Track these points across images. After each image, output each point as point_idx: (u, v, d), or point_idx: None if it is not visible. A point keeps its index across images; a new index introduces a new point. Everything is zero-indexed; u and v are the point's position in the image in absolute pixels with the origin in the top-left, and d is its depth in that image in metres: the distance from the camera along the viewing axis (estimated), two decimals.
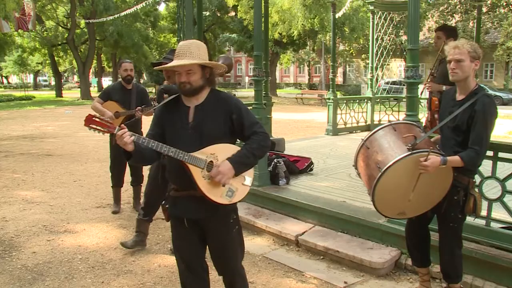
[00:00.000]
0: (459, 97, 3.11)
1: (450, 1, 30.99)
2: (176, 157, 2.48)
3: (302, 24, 26.54)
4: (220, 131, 2.61)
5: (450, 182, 3.03)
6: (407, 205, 3.11)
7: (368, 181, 3.13)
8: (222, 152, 2.56)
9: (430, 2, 29.85)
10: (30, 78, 62.82)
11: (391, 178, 2.95)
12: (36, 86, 57.45)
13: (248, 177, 2.65)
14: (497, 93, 28.97)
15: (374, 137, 3.19)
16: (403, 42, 26.48)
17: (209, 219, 2.69)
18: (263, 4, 5.77)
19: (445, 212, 3.15)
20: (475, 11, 11.79)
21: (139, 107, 5.41)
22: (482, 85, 3.14)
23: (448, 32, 4.95)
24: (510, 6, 29.81)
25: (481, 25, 13.63)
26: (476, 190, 3.16)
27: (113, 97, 5.58)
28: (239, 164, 2.54)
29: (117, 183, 5.88)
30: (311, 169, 6.61)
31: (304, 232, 4.72)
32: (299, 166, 6.49)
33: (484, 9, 25.18)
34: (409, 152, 2.89)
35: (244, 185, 2.65)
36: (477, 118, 2.93)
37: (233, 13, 37.40)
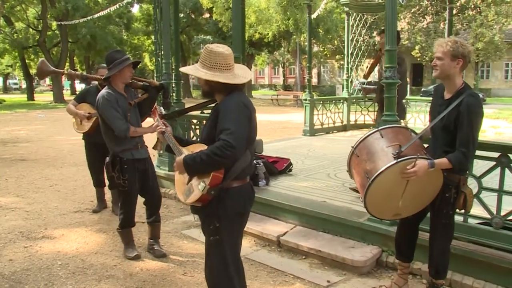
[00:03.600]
0: (447, 95, 3.17)
1: (421, 3, 31.65)
2: (171, 146, 2.98)
3: (277, 25, 26.69)
4: (212, 130, 2.70)
5: (441, 181, 3.10)
6: (400, 207, 3.17)
7: (361, 189, 3.18)
8: (197, 150, 2.69)
9: (402, 3, 30.40)
10: None
11: (380, 186, 3.00)
12: (6, 90, 56.03)
13: (202, 184, 2.63)
14: None
15: (362, 144, 3.21)
16: (376, 43, 26.87)
17: (198, 213, 2.86)
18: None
19: (438, 210, 3.22)
20: (446, 12, 12.06)
21: None
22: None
23: None
24: (478, 9, 30.63)
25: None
26: (469, 187, 3.23)
27: (87, 99, 5.58)
28: (188, 164, 2.62)
29: (97, 183, 5.91)
30: (290, 170, 6.65)
31: (286, 233, 4.74)
32: (278, 167, 6.52)
33: (454, 11, 25.74)
34: (395, 161, 2.92)
35: (197, 190, 2.66)
36: (462, 119, 2.97)
37: (207, 15, 37.32)
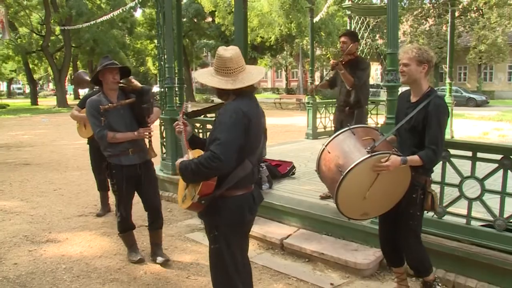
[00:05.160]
0: (413, 99, 3.25)
1: (423, 6, 31.67)
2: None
3: (280, 29, 26.74)
4: (211, 136, 2.67)
5: (408, 181, 3.15)
6: (368, 205, 3.21)
7: (331, 185, 3.23)
8: (196, 156, 2.67)
9: (405, 6, 30.40)
10: (3, 86, 61.57)
11: (353, 181, 3.05)
12: (10, 94, 56.27)
13: (193, 192, 2.61)
14: (471, 95, 29.62)
15: (334, 141, 3.30)
16: (379, 46, 26.87)
17: (202, 219, 2.87)
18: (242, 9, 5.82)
19: (404, 210, 3.26)
20: (448, 15, 12.07)
21: None
22: (434, 88, 3.29)
23: (352, 36, 5.37)
24: (480, 11, 30.62)
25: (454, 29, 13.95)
26: (436, 188, 3.33)
27: None
28: (181, 170, 2.60)
29: (100, 186, 5.94)
30: (293, 173, 6.66)
31: (289, 236, 4.75)
32: (281, 170, 6.53)
33: (456, 13, 25.77)
34: (369, 155, 3.00)
35: (190, 197, 2.66)
36: (430, 118, 3.06)
37: (210, 19, 37.41)
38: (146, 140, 4.36)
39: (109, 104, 4.05)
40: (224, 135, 2.49)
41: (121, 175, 4.17)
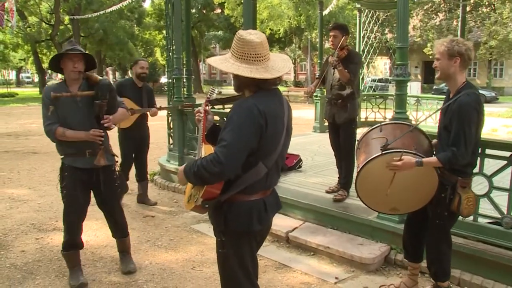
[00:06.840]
0: (451, 94, 3.15)
1: (434, 0, 31.35)
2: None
3: (289, 21, 26.67)
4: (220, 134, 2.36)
5: (436, 180, 3.08)
6: (395, 201, 3.21)
7: None
8: (208, 153, 2.38)
9: (415, 0, 30.11)
10: (12, 75, 61.81)
11: (368, 177, 3.14)
12: (19, 83, 56.50)
13: (196, 194, 2.37)
14: (480, 91, 29.28)
15: (364, 138, 3.38)
16: (388, 40, 26.72)
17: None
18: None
19: (433, 209, 3.21)
20: (459, 10, 11.96)
21: (158, 106, 5.77)
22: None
23: (343, 30, 5.12)
24: (492, 6, 30.26)
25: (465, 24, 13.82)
26: (472, 191, 3.15)
27: (124, 93, 5.32)
28: (186, 172, 2.33)
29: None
30: (300, 166, 6.65)
31: (295, 229, 4.75)
32: (288, 163, 6.52)
33: (467, 8, 25.48)
34: (379, 153, 3.02)
35: (195, 198, 2.40)
36: (453, 118, 2.94)
37: (219, 10, 37.34)
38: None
39: (63, 93, 3.53)
40: (231, 137, 2.20)
41: (74, 179, 3.62)
